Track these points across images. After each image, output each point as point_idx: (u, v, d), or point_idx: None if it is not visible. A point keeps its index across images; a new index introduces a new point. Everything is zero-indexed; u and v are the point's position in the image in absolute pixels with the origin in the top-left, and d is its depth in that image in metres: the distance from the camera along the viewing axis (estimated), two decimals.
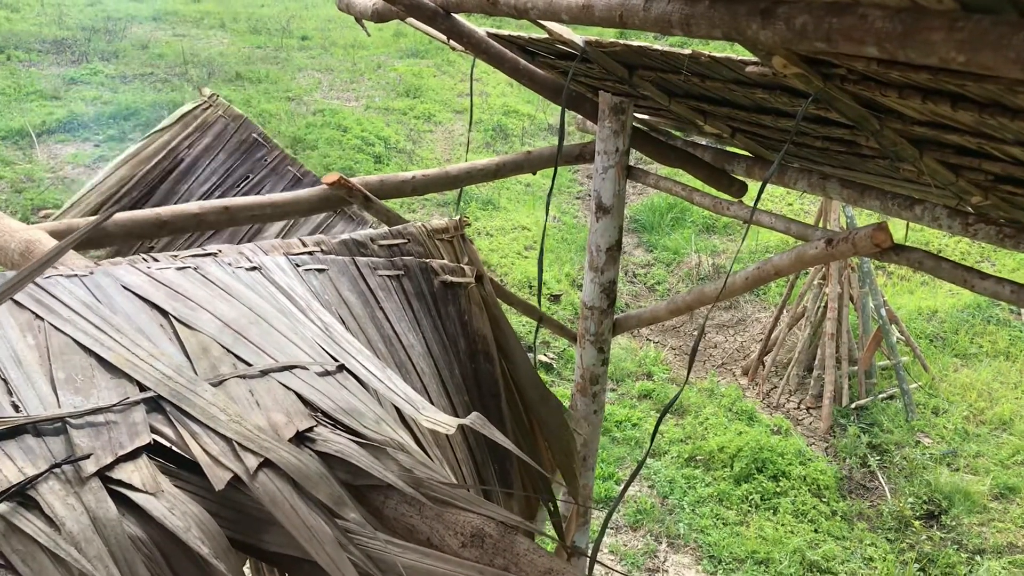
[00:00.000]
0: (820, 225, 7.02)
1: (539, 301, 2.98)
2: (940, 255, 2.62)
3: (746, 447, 6.57)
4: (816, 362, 7.42)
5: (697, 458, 6.63)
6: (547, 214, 2.98)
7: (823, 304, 7.42)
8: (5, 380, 1.29)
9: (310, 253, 1.99)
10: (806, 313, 7.56)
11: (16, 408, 1.25)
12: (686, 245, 9.58)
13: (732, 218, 3.18)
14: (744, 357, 8.06)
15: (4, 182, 9.19)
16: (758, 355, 7.77)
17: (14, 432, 1.18)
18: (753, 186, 3.56)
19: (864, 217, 8.27)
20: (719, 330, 8.43)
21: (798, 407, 7.42)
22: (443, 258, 2.17)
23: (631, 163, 3.37)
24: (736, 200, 3.33)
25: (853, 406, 7.24)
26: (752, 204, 2.72)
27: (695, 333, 8.28)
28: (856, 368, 7.37)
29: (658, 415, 7.06)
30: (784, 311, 7.79)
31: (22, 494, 1.06)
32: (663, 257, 9.53)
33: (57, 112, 10.50)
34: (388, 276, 2.04)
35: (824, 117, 2.53)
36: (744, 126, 3.15)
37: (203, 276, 1.72)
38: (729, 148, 3.73)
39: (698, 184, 3.66)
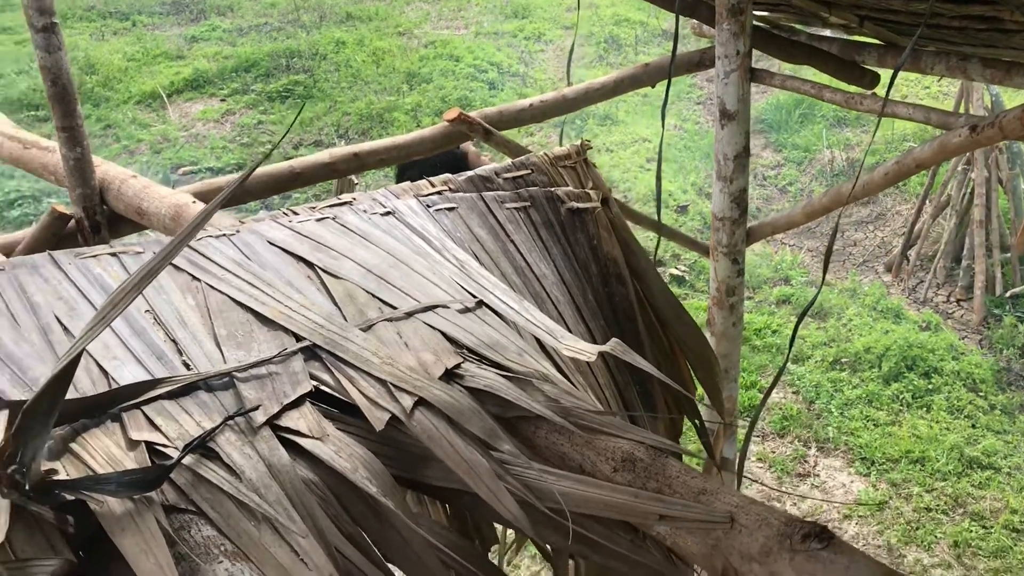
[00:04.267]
0: (962, 109, 6.60)
1: (659, 216, 2.94)
2: None
3: (894, 345, 6.37)
4: (964, 252, 7.06)
5: (842, 360, 6.47)
6: (663, 126, 2.92)
7: (969, 190, 7.01)
8: (174, 340, 1.39)
9: (439, 193, 2.03)
10: (951, 201, 7.18)
11: (187, 366, 1.34)
12: (817, 142, 9.19)
13: (866, 112, 3.03)
14: (886, 253, 7.75)
15: (144, 144, 9.65)
16: (901, 249, 7.45)
17: (188, 389, 1.27)
18: (886, 75, 3.38)
19: (1010, 96, 7.71)
20: (858, 227, 8.12)
21: (947, 300, 7.10)
22: (568, 185, 2.17)
23: (753, 64, 3.24)
24: (869, 92, 3.16)
25: (1007, 295, 6.87)
26: (885, 94, 2.59)
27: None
28: (1009, 255, 6.97)
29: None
30: (927, 201, 7.41)
31: (203, 446, 1.15)
32: (793, 156, 9.19)
33: (183, 71, 10.88)
34: (515, 208, 2.06)
35: None
36: (872, 13, 2.98)
37: (342, 225, 1.78)
38: (857, 38, 3.54)
39: (827, 79, 3.50)
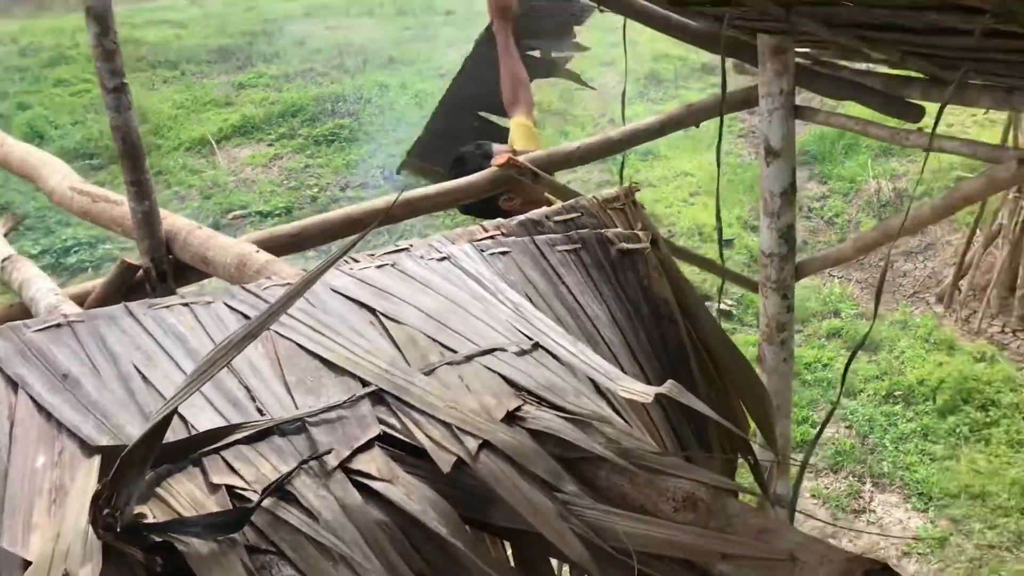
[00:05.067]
0: (1010, 140, 6.54)
1: (721, 257, 2.95)
2: None
3: (948, 378, 6.27)
4: (1019, 281, 6.95)
5: (896, 394, 6.39)
6: (719, 166, 2.94)
7: (1021, 218, 6.91)
8: (247, 387, 1.45)
9: (491, 237, 2.08)
10: (1002, 230, 7.08)
11: (260, 412, 1.40)
12: (862, 172, 9.13)
13: (913, 147, 3.05)
14: (937, 284, 7.65)
15: (194, 189, 9.91)
16: (952, 280, 7.35)
17: (263, 434, 1.32)
18: (931, 107, 3.38)
19: None
20: (907, 257, 8.03)
21: (1002, 331, 6.99)
22: (617, 226, 2.21)
23: (797, 100, 3.27)
24: (915, 127, 3.17)
25: None
26: (931, 131, 2.60)
27: (881, 264, 7.93)
28: None
29: (849, 353, 6.84)
30: (978, 230, 7.32)
31: (281, 489, 1.20)
32: (839, 187, 9.14)
33: (231, 117, 11.16)
34: (566, 251, 2.10)
35: (1006, 31, 2.38)
36: (916, 48, 3.00)
37: (401, 271, 1.84)
38: (902, 72, 3.55)
39: (871, 114, 3.51)
